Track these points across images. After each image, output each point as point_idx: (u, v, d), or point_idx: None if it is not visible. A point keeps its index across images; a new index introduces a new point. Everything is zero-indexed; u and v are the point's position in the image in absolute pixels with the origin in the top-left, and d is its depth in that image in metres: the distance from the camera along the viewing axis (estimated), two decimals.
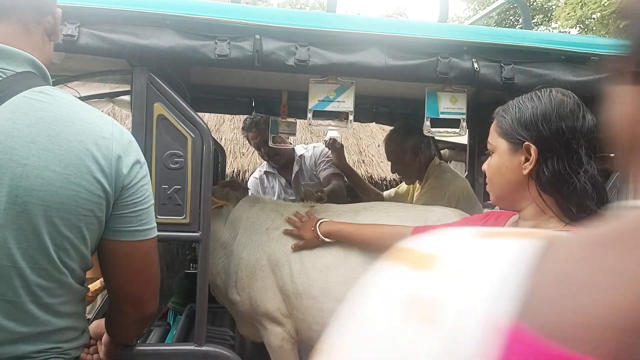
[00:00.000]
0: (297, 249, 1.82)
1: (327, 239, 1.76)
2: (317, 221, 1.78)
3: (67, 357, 1.02)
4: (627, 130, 0.39)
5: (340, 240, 1.77)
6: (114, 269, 1.06)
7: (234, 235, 2.00)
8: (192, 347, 1.56)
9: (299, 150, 3.16)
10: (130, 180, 1.00)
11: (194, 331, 1.60)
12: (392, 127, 2.78)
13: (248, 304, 1.91)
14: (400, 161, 2.62)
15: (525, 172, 1.07)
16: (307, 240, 1.80)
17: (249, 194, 2.40)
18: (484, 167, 1.20)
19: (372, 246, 1.70)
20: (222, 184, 2.23)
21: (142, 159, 1.05)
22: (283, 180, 3.16)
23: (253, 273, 1.89)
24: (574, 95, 1.11)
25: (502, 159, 1.13)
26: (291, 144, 3.24)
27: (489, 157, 1.18)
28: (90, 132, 0.95)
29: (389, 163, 2.76)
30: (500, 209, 1.50)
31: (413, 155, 2.56)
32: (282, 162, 3.10)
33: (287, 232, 1.86)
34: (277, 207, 2.03)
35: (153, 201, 1.07)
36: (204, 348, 1.55)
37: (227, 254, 1.98)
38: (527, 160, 1.08)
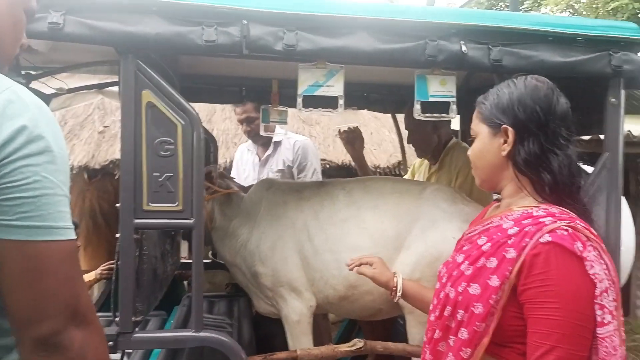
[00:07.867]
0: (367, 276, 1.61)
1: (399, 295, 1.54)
2: (397, 274, 1.56)
3: None
4: None
5: (407, 297, 1.54)
6: None
7: (253, 216, 2.15)
8: (190, 333, 1.58)
9: (277, 136, 3.14)
10: (4, 155, 0.75)
11: (191, 319, 1.61)
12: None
13: (271, 275, 2.03)
14: (420, 131, 2.52)
15: (504, 153, 1.16)
16: (379, 283, 1.57)
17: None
18: (469, 152, 1.27)
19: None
20: (218, 176, 2.24)
21: (40, 131, 0.78)
22: (257, 159, 3.26)
23: (274, 243, 2.04)
24: (549, 81, 1.19)
25: (483, 143, 1.21)
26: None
27: (473, 143, 1.25)
28: None
29: (406, 132, 2.62)
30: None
31: (433, 128, 2.50)
32: (260, 142, 3.19)
33: (360, 271, 1.61)
34: (291, 186, 2.27)
35: (53, 192, 0.79)
36: (201, 334, 1.57)
37: (248, 233, 2.12)
38: (505, 142, 1.16)
